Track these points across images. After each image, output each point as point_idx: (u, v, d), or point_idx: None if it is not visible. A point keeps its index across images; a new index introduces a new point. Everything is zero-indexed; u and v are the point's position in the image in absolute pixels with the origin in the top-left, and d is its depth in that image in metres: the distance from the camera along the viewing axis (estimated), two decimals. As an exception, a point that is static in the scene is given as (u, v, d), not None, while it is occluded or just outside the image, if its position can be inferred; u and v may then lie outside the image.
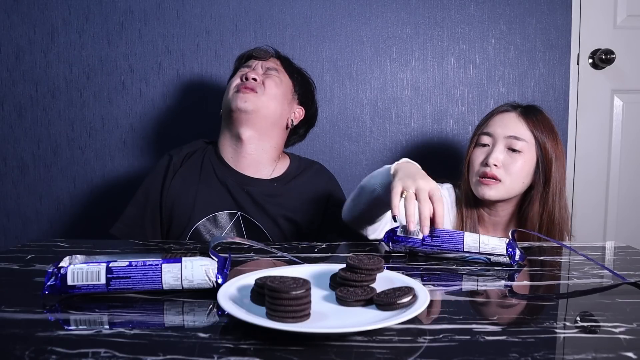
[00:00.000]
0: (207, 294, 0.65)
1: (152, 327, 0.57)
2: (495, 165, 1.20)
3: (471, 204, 1.28)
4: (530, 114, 1.25)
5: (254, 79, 1.24)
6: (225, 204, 1.19)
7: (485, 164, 1.22)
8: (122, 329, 0.55)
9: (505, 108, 1.28)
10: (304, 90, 1.36)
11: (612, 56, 1.70)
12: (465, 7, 1.70)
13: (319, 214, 1.25)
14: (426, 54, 1.71)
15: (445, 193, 1.29)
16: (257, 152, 1.24)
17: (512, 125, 1.23)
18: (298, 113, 1.34)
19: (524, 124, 1.22)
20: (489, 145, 1.24)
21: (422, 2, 1.69)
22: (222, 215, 1.18)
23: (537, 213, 1.23)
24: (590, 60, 1.74)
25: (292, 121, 1.32)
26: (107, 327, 0.56)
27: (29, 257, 0.85)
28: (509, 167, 1.20)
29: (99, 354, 0.49)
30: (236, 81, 1.27)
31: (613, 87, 1.76)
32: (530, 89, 1.72)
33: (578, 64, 1.74)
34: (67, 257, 0.70)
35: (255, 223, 1.18)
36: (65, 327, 0.57)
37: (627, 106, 1.77)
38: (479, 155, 1.25)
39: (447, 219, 1.27)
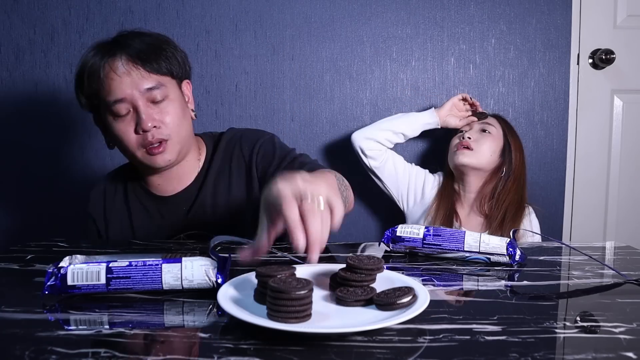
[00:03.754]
0: (207, 294, 0.65)
1: (152, 327, 0.57)
2: (469, 137, 1.52)
3: (450, 181, 1.59)
4: (502, 118, 1.61)
5: (155, 127, 1.00)
6: (171, 231, 1.11)
7: (461, 137, 1.55)
8: (122, 329, 0.55)
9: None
10: (178, 66, 1.08)
11: (612, 56, 1.70)
12: (465, 7, 1.70)
13: (260, 180, 1.12)
14: (426, 54, 1.71)
15: (437, 176, 1.64)
16: (182, 165, 1.12)
17: (485, 121, 1.57)
18: (189, 91, 1.14)
19: (495, 120, 1.57)
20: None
21: (422, 2, 1.69)
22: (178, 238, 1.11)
23: (498, 191, 1.51)
24: (590, 60, 1.74)
25: (193, 110, 1.13)
26: (107, 327, 0.56)
27: (29, 257, 0.85)
28: (479, 141, 1.52)
29: (99, 354, 0.49)
30: (130, 135, 1.01)
31: (613, 87, 1.76)
32: (530, 89, 1.72)
33: (578, 64, 1.74)
34: (67, 257, 0.70)
35: (204, 233, 1.10)
36: (65, 327, 0.57)
37: (627, 106, 1.77)
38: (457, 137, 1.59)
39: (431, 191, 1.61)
